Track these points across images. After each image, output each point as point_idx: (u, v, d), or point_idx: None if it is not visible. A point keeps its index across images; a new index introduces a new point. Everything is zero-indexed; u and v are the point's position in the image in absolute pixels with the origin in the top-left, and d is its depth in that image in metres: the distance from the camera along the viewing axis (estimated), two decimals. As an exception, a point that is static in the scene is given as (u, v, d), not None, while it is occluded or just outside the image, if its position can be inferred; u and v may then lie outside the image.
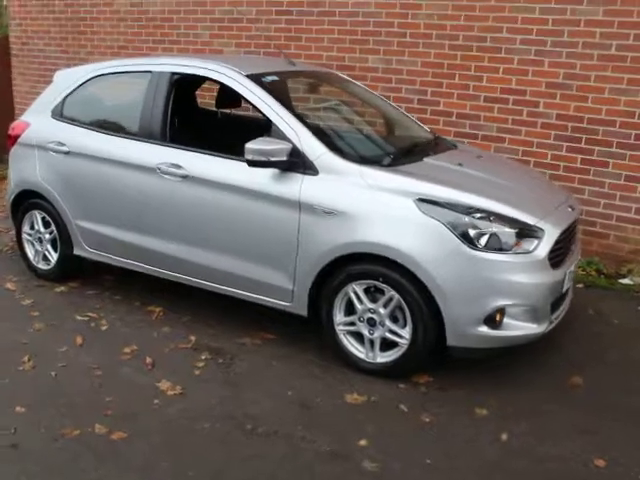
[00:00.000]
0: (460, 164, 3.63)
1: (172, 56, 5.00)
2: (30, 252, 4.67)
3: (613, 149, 4.74)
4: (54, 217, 4.42)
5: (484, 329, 3.09)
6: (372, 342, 3.32)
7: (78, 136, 4.21)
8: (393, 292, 3.19)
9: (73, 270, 4.57)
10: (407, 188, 3.20)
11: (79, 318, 4.01)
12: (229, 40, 6.30)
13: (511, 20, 4.92)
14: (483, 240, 3.07)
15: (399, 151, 3.74)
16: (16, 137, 4.59)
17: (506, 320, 3.12)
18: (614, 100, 4.67)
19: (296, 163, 3.36)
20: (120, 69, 4.23)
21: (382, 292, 3.25)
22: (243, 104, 4.39)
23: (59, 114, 4.39)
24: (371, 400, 3.14)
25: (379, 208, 3.19)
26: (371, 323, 3.30)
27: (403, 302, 3.17)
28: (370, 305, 3.28)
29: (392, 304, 3.21)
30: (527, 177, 4.08)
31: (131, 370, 3.40)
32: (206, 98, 5.21)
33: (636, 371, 3.47)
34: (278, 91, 3.69)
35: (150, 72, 3.99)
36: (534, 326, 3.17)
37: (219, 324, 3.92)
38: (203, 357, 3.54)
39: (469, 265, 3.05)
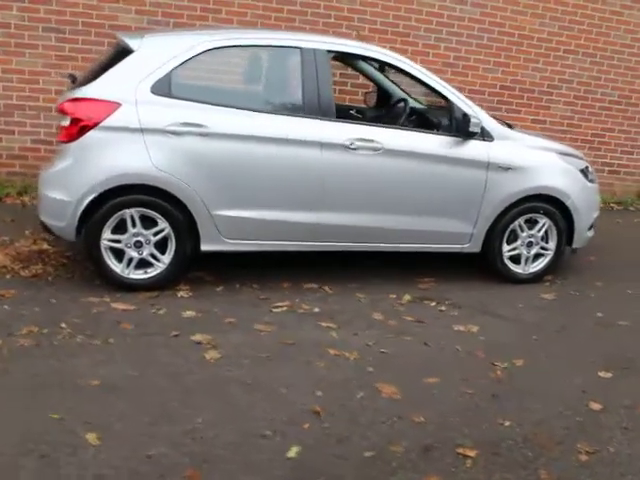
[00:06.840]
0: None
1: (313, 34, 4.84)
2: (114, 263, 3.83)
3: (483, 111, 6.75)
4: (169, 212, 3.81)
5: (588, 233, 4.75)
6: (527, 259, 4.55)
7: (223, 115, 3.78)
8: (546, 219, 4.49)
9: (182, 273, 4.01)
10: (549, 146, 4.55)
11: (276, 310, 3.84)
12: (127, 6, 5.61)
13: (417, 12, 6.30)
14: (588, 176, 4.68)
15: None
16: (88, 122, 3.62)
17: (591, 227, 4.85)
18: (484, 76, 6.66)
19: (477, 132, 4.21)
20: (251, 42, 3.92)
21: (534, 221, 4.49)
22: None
23: (166, 91, 3.73)
24: (557, 294, 4.46)
25: (540, 161, 4.42)
26: (528, 245, 4.52)
27: (552, 224, 4.51)
28: (529, 232, 4.48)
29: (544, 228, 4.51)
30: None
31: (441, 329, 3.79)
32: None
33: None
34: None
35: (299, 48, 3.93)
36: (593, 230, 4.96)
37: (386, 283, 4.36)
38: (432, 304, 4.11)
39: (587, 192, 4.64)
